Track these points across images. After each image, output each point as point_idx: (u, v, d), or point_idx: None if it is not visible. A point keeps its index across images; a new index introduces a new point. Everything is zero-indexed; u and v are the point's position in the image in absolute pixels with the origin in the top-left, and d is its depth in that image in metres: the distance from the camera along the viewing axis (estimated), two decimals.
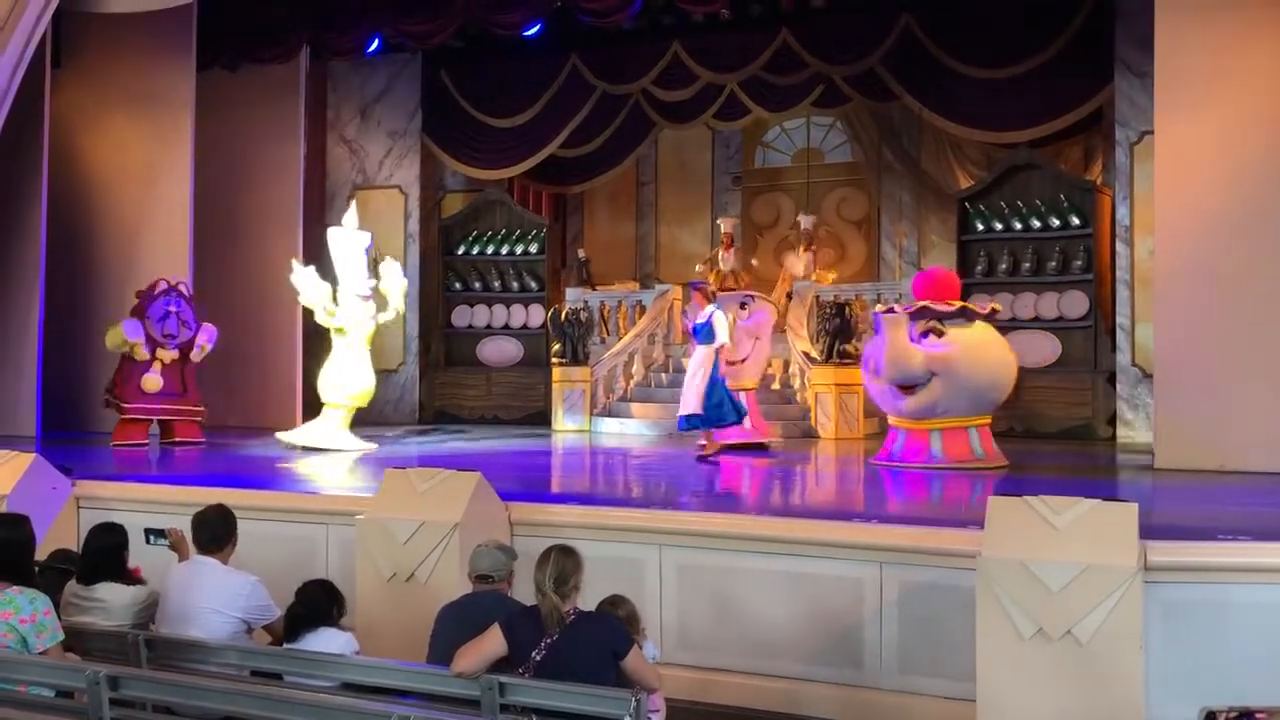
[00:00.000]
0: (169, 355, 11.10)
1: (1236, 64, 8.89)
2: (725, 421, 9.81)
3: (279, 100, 13.82)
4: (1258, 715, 2.69)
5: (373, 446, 10.75)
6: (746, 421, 10.40)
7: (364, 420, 14.68)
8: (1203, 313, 8.85)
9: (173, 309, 11.24)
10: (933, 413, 8.89)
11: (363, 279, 10.76)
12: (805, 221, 14.73)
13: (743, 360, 10.99)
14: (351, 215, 11.05)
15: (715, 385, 9.71)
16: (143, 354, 11.02)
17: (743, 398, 10.57)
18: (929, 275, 9.54)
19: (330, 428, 10.71)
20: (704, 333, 9.72)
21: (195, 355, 11.39)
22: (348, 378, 10.72)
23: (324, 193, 15.42)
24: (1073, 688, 4.80)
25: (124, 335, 10.94)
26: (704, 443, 9.98)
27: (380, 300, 10.94)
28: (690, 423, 9.91)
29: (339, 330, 10.72)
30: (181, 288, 11.43)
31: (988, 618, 4.94)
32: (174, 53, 12.70)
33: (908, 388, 8.87)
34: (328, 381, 10.78)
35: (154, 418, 11.23)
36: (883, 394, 9.18)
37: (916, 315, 8.86)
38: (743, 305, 11.22)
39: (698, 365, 9.80)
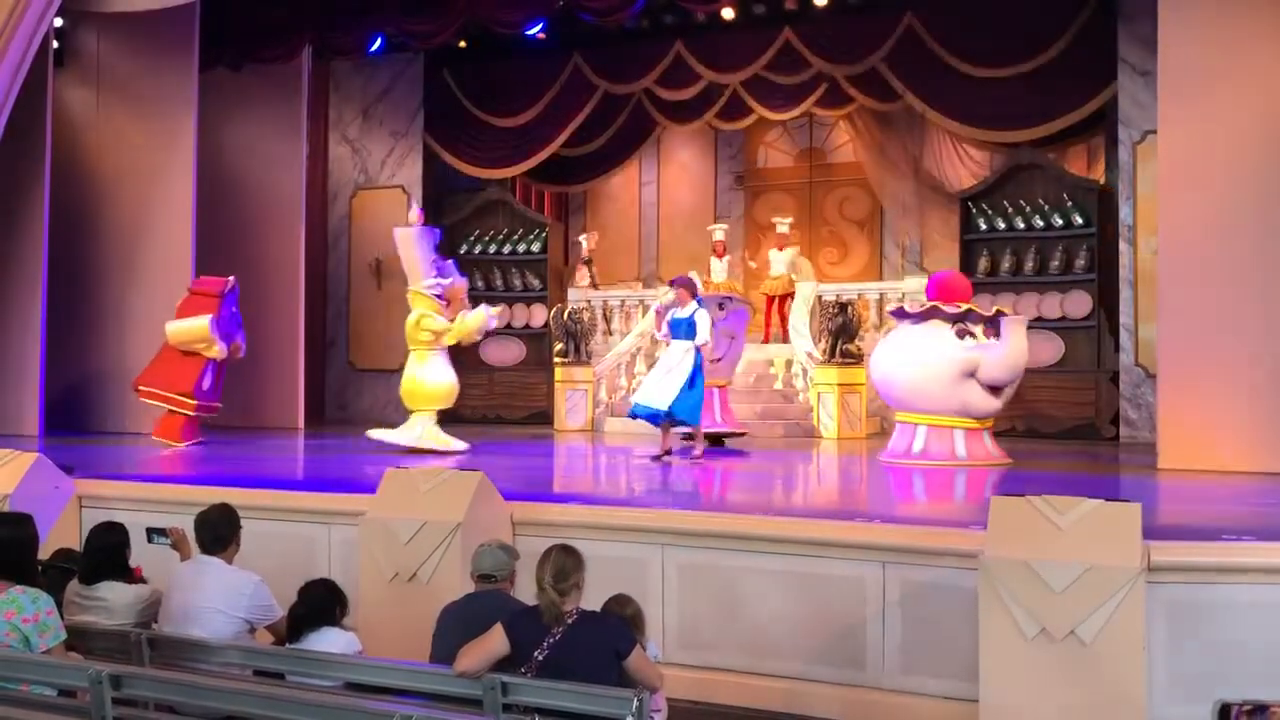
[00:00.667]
0: (220, 354, 11.01)
1: (1240, 63, 8.88)
2: (693, 422, 9.61)
3: (281, 100, 13.83)
4: (1273, 709, 2.68)
5: (463, 446, 10.40)
6: (718, 412, 11.30)
7: (366, 420, 14.72)
8: (1206, 312, 8.84)
9: (234, 309, 11.27)
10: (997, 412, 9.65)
11: (432, 277, 10.34)
12: (781, 225, 14.50)
13: (718, 359, 11.16)
14: (415, 212, 10.81)
15: (695, 384, 9.50)
16: (218, 352, 10.92)
17: (715, 394, 11.15)
18: (946, 278, 9.74)
19: (422, 429, 10.37)
20: (684, 328, 9.55)
21: (238, 355, 11.37)
22: (425, 381, 10.34)
23: (326, 192, 15.43)
24: (1075, 688, 4.79)
25: (209, 333, 10.82)
26: (669, 448, 9.75)
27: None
28: (652, 414, 9.57)
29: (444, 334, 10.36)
30: (238, 288, 11.41)
31: (990, 618, 4.94)
32: (176, 52, 12.71)
33: (998, 389, 9.27)
34: (406, 387, 10.47)
35: (203, 415, 11.14)
36: (953, 392, 9.14)
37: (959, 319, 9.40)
38: (721, 305, 11.45)
39: (676, 360, 9.55)
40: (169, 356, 10.97)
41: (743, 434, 11.55)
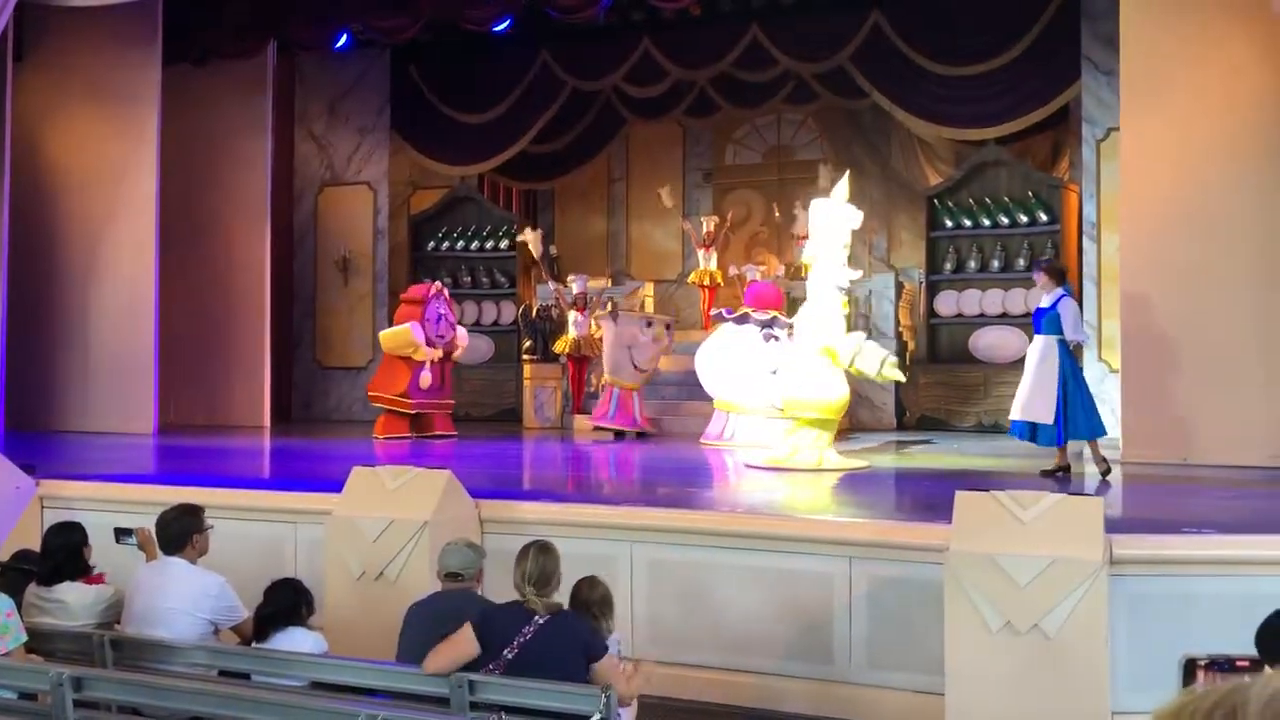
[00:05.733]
0: (436, 354, 11.75)
1: (1201, 63, 9.00)
2: (1084, 437, 8.02)
3: (246, 95, 13.70)
4: (1238, 663, 2.74)
5: (862, 464, 8.97)
6: (637, 413, 11.95)
7: (333, 419, 14.63)
8: (1167, 308, 8.96)
9: (442, 311, 11.92)
10: None
11: (844, 268, 8.65)
12: (707, 224, 14.50)
13: (646, 370, 12.12)
14: (842, 187, 8.86)
15: (1073, 391, 7.93)
16: (425, 355, 11.60)
17: (635, 397, 11.96)
18: (760, 288, 11.57)
19: (812, 445, 8.74)
20: (1046, 320, 8.08)
21: (457, 355, 12.17)
22: (804, 386, 8.68)
23: (291, 189, 15.30)
24: (1040, 680, 4.84)
25: (413, 338, 11.50)
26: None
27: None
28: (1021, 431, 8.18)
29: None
30: (445, 291, 12.18)
31: (956, 611, 4.98)
32: (139, 46, 12.55)
33: None
34: (789, 393, 8.76)
35: (427, 412, 11.81)
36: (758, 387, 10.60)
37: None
38: (668, 327, 12.44)
39: (1038, 360, 8.07)
40: (386, 362, 11.90)
41: (653, 431, 12.16)
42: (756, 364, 10.59)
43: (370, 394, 12.01)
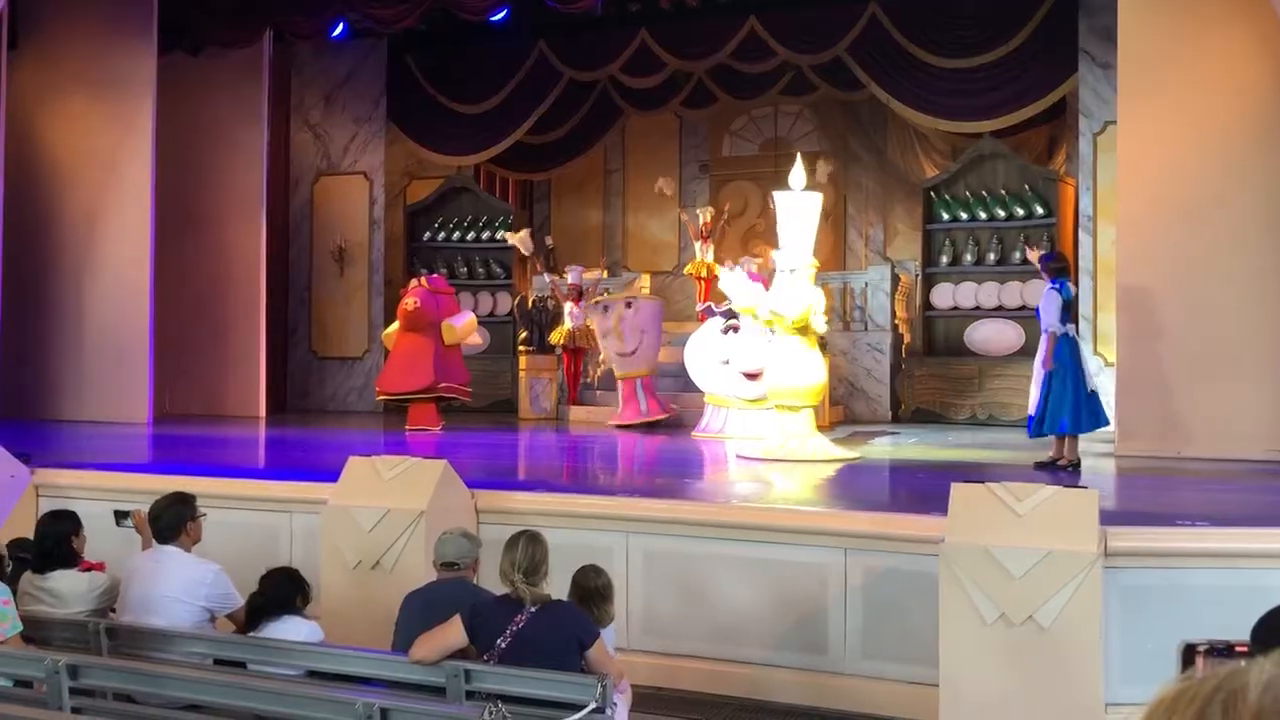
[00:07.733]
0: (482, 341, 12.16)
1: (1198, 56, 9.00)
2: (1066, 431, 7.99)
3: (242, 85, 13.66)
4: (1238, 649, 2.74)
5: (853, 455, 8.96)
6: (644, 404, 11.78)
7: (328, 409, 14.61)
8: (1163, 301, 8.98)
9: None
10: None
11: (806, 252, 8.77)
12: (704, 215, 14.51)
13: (632, 352, 11.91)
14: (798, 173, 9.03)
15: (1056, 384, 7.91)
16: (479, 340, 11.90)
17: (639, 384, 11.80)
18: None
19: (801, 435, 8.74)
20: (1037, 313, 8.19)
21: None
22: (788, 373, 8.74)
23: (288, 179, 15.26)
24: (1034, 672, 4.86)
25: (476, 324, 11.80)
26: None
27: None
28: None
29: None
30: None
31: (951, 603, 4.99)
32: (135, 35, 12.49)
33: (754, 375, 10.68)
34: (771, 381, 8.95)
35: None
36: (718, 377, 11.15)
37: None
38: (628, 304, 12.23)
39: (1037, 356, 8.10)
40: (441, 353, 11.48)
41: (667, 416, 11.85)
42: (710, 355, 11.20)
43: (444, 386, 11.35)
